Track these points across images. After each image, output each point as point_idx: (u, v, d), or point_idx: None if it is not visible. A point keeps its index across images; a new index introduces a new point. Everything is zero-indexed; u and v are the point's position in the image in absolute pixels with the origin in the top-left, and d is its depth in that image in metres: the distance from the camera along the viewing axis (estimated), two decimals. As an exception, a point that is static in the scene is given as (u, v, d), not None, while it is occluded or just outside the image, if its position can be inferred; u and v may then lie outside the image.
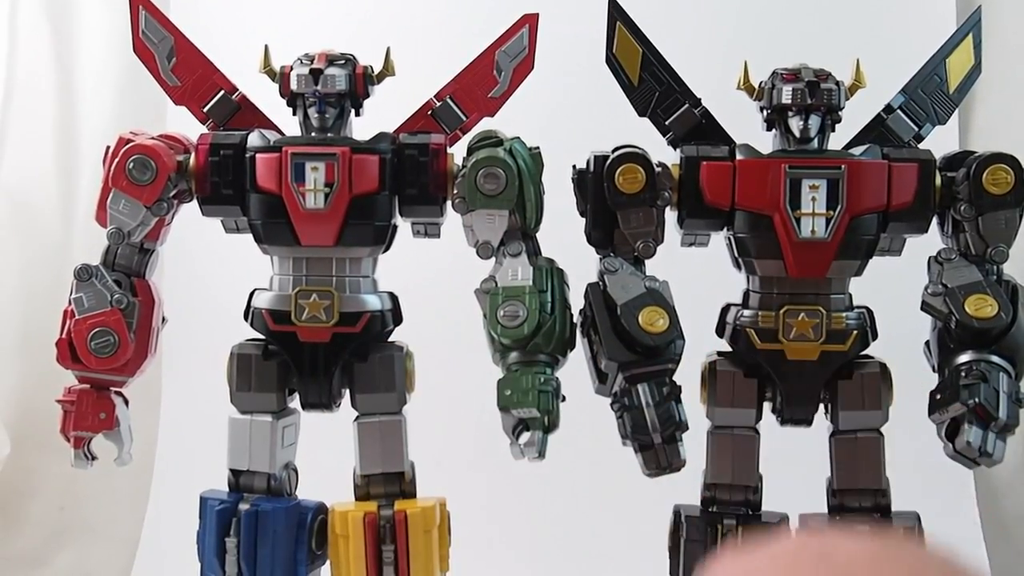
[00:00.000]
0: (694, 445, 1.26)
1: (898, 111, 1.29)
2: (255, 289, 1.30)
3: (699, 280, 1.39)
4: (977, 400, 1.14)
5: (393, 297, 1.32)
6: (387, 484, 1.29)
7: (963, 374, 1.17)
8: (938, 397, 1.19)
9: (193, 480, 1.33)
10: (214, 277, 2.03)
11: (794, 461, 1.52)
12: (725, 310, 1.32)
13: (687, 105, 1.29)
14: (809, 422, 1.29)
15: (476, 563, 1.89)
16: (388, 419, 1.29)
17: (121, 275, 1.28)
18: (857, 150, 1.27)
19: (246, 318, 1.29)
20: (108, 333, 1.24)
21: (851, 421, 1.27)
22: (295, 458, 1.33)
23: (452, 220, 1.30)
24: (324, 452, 1.47)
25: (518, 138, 1.27)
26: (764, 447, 1.30)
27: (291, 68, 1.27)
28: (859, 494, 1.29)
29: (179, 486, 1.31)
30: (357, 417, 1.30)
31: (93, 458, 1.30)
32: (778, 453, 1.34)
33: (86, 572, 2.10)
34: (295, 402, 1.31)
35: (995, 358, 1.18)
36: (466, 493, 1.51)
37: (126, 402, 1.31)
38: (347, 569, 1.26)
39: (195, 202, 1.30)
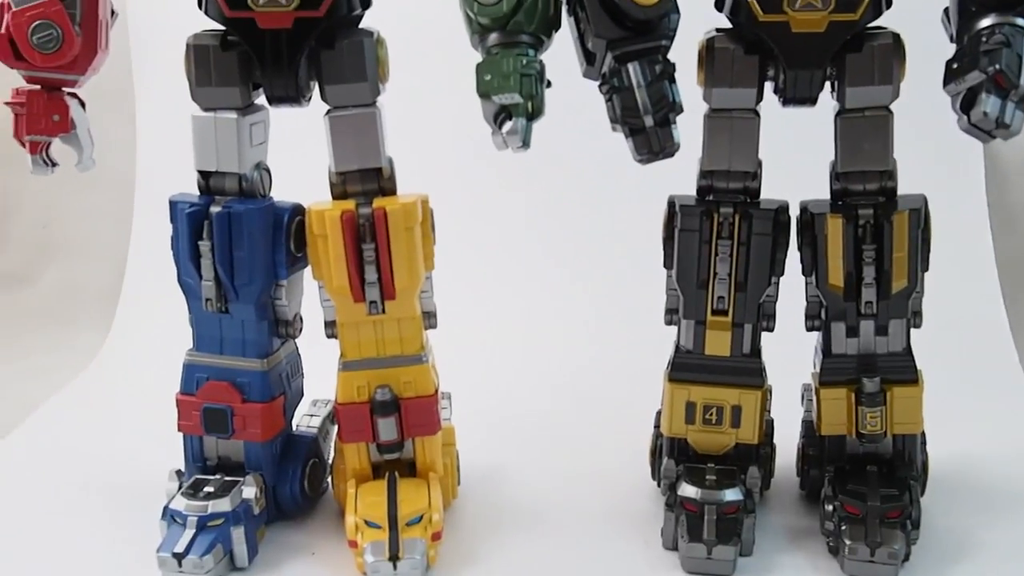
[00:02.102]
0: (690, 131, 1.20)
1: None
2: (208, -26, 1.20)
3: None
4: (997, 67, 1.06)
5: (361, -23, 1.22)
6: (364, 181, 1.24)
7: (984, 39, 1.07)
8: (955, 66, 1.09)
9: (176, 189, 1.27)
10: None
11: (796, 146, 1.46)
12: (725, -19, 1.22)
13: None
14: (813, 101, 1.21)
15: (464, 262, 1.89)
16: (361, 111, 1.21)
17: (60, -37, 1.18)
18: None
19: (200, 6, 1.20)
20: (50, 26, 1.15)
21: (859, 97, 1.19)
22: (267, 158, 1.27)
23: None
24: (299, 152, 1.41)
25: None
26: (764, 131, 1.23)
27: None
28: (864, 177, 1.23)
29: (163, 197, 1.26)
30: (328, 111, 1.23)
31: (53, 164, 1.25)
32: (779, 137, 1.27)
33: (75, 288, 2.10)
34: (262, 98, 1.24)
35: (1021, 21, 1.09)
36: (451, 190, 1.47)
37: (82, 104, 1.25)
38: (328, 269, 1.22)
39: None
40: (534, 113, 1.14)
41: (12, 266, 2.15)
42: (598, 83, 1.16)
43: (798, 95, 1.20)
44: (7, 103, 1.21)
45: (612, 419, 1.59)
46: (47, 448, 1.58)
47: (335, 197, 1.25)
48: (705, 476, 1.27)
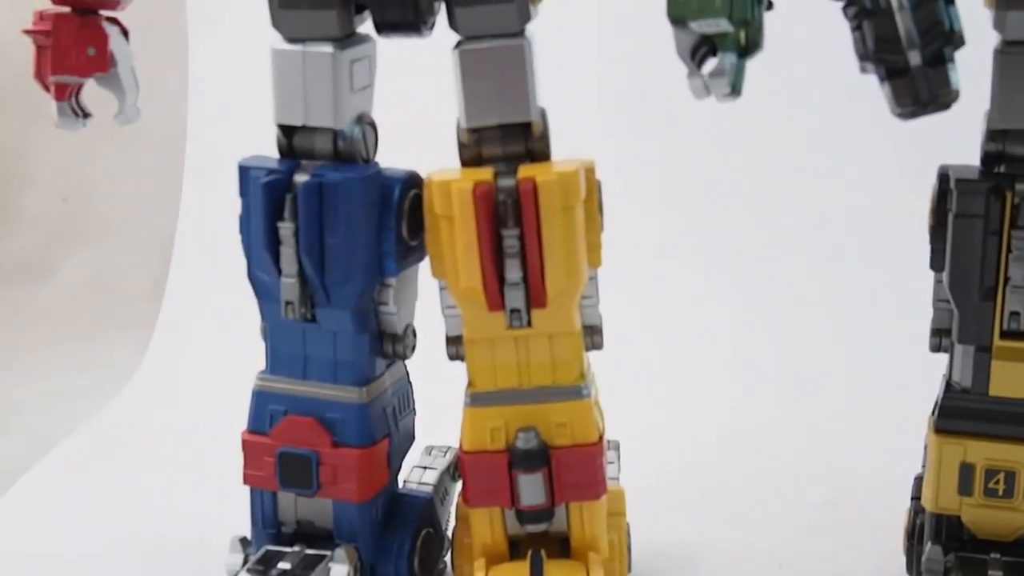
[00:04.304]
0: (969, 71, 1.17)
1: None
2: None
3: None
4: None
5: None
6: (507, 142, 1.23)
7: None
8: None
9: (243, 150, 1.29)
10: None
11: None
12: None
13: None
14: None
15: (638, 258, 1.88)
16: (505, 43, 1.21)
17: None
18: None
19: None
20: None
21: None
22: (372, 108, 1.28)
23: None
24: (415, 100, 1.42)
25: None
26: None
27: None
28: None
29: (225, 160, 1.28)
30: (458, 42, 1.22)
31: (85, 115, 1.28)
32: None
33: (108, 280, 2.15)
34: (367, 25, 1.25)
35: None
36: (617, 160, 1.46)
37: (125, 33, 1.28)
38: (454, 264, 1.21)
39: None
40: (749, 46, 1.12)
41: (25, 252, 2.22)
42: (841, 4, 1.14)
43: None
44: (27, 31, 1.25)
45: (847, 482, 1.56)
46: (65, 501, 1.61)
47: (466, 163, 1.24)
48: (988, 572, 1.23)
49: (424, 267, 1.28)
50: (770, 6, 1.15)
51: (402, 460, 1.36)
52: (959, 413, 1.26)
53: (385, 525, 1.32)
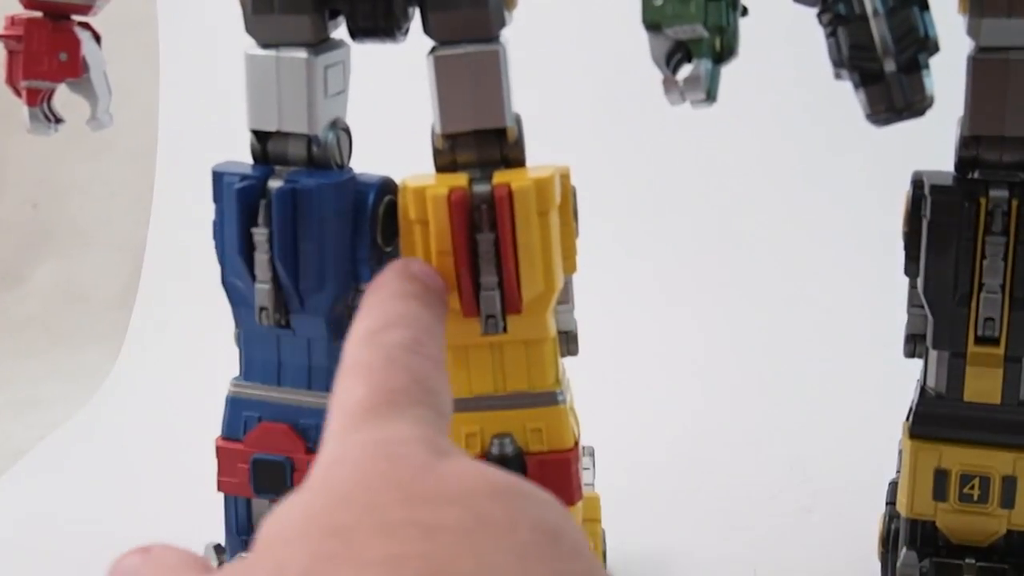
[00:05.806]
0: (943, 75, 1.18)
1: None
2: None
3: None
4: None
5: None
6: (481, 147, 1.24)
7: None
8: None
9: (215, 156, 1.29)
10: None
11: None
12: None
13: None
14: None
15: (611, 263, 1.89)
16: (479, 49, 1.21)
17: None
18: None
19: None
20: None
21: (998, 32, 1.17)
22: (346, 114, 1.28)
23: None
24: (389, 105, 1.43)
25: None
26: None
27: None
28: (1002, 144, 1.21)
29: (197, 167, 1.28)
30: (433, 48, 1.23)
31: (56, 120, 1.28)
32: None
33: (79, 288, 2.15)
34: (341, 30, 1.25)
35: None
36: (591, 165, 1.46)
37: (97, 38, 1.28)
38: (428, 270, 1.22)
39: None
40: (724, 52, 1.13)
41: (-5, 260, 2.22)
42: (816, 10, 1.15)
43: None
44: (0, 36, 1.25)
45: (824, 490, 1.56)
46: (36, 509, 1.61)
47: (440, 169, 1.25)
48: None
49: (399, 273, 1.29)
50: (745, 12, 1.15)
51: (377, 467, 1.36)
52: (934, 419, 1.27)
53: (359, 532, 1.32)
